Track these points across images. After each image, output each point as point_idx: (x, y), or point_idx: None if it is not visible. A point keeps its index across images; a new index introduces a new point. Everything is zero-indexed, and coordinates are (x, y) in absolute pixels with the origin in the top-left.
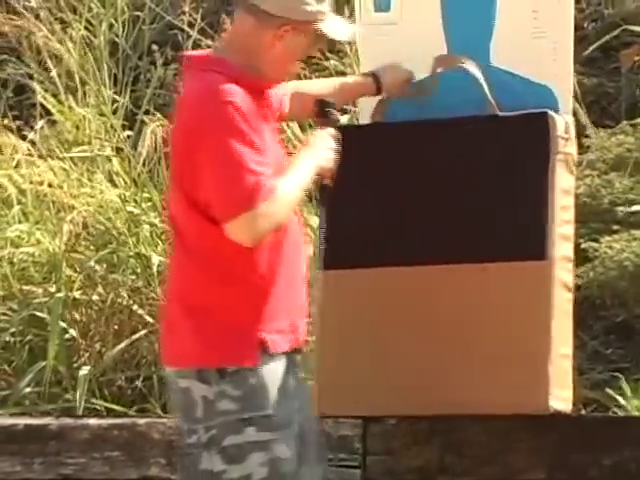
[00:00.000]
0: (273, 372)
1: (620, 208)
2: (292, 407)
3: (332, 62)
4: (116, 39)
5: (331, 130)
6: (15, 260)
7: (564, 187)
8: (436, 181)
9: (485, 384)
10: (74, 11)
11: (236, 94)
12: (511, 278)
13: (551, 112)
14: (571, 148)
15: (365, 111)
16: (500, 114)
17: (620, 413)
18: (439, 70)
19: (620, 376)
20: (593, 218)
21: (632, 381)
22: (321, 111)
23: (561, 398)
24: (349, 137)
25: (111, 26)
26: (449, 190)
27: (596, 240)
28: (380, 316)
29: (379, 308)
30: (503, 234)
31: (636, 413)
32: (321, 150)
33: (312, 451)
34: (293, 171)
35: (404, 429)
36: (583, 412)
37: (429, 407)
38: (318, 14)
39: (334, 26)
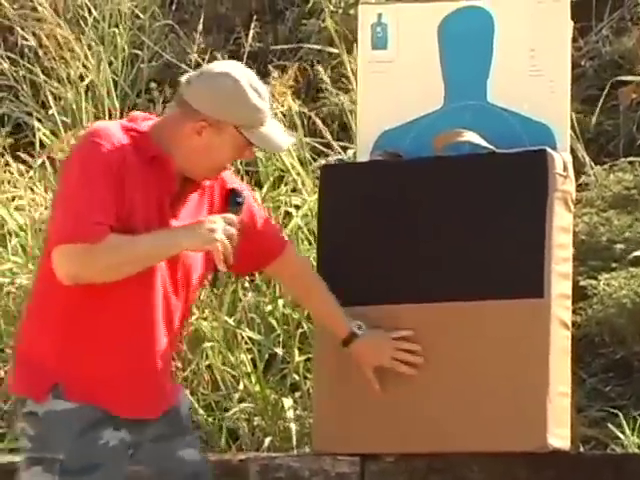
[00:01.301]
0: (70, 415)
1: (619, 246)
2: (98, 456)
3: (341, 98)
4: (115, 77)
5: (231, 216)
6: (12, 292)
7: (562, 225)
8: (433, 219)
9: (483, 422)
10: (72, 50)
11: (108, 137)
12: (509, 316)
13: (549, 150)
14: (569, 186)
15: (362, 148)
16: (498, 151)
17: (619, 450)
18: (440, 150)
19: (619, 413)
20: (592, 256)
21: (631, 418)
22: (231, 199)
23: (559, 436)
24: (343, 175)
25: (110, 64)
26: (446, 227)
27: (595, 278)
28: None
29: None
30: (501, 272)
31: (635, 450)
32: (201, 231)
33: None
34: (144, 237)
35: (402, 467)
36: (581, 450)
37: (427, 444)
38: (243, 119)
39: (266, 133)
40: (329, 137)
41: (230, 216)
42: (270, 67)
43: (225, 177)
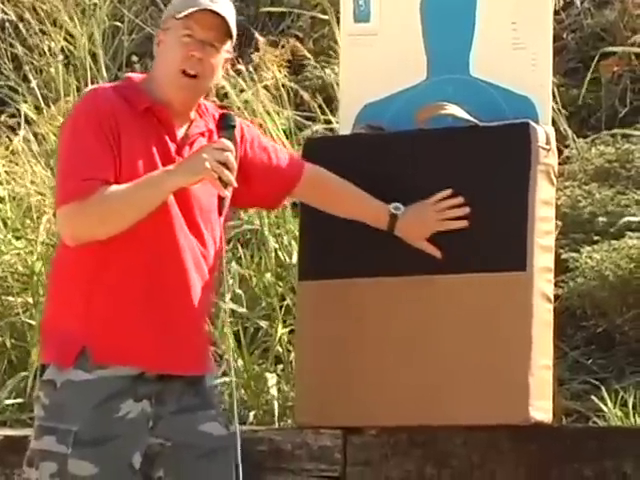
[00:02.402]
0: (87, 387)
1: (601, 219)
2: (114, 427)
3: (326, 71)
4: (96, 50)
5: (223, 140)
6: None
7: (545, 198)
8: (415, 191)
9: (466, 395)
10: (54, 23)
11: (96, 98)
12: (491, 289)
13: (532, 123)
14: (552, 159)
15: (345, 121)
16: (480, 124)
17: (601, 423)
18: (422, 123)
19: (601, 386)
20: (574, 229)
21: (613, 391)
22: (222, 124)
23: (542, 409)
24: (326, 148)
25: (90, 36)
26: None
27: (577, 251)
28: (359, 327)
29: (357, 319)
30: (483, 245)
31: (617, 423)
32: (194, 162)
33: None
34: (135, 182)
35: (384, 440)
36: (564, 422)
37: (409, 418)
38: (179, 5)
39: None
40: (316, 110)
41: (221, 141)
42: (258, 37)
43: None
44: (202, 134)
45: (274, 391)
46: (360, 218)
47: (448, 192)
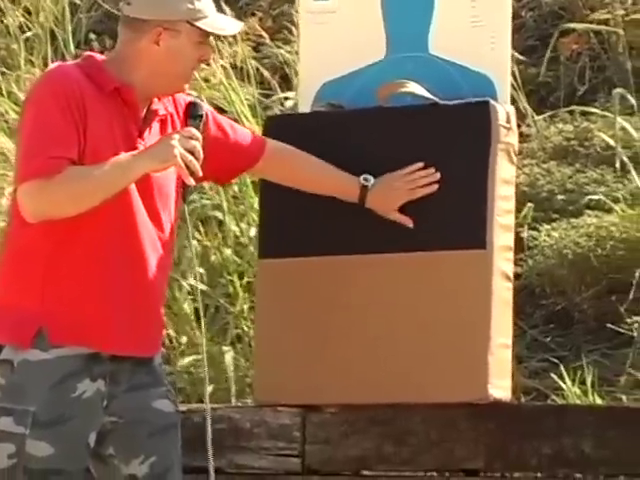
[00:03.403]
0: (45, 367)
1: (559, 197)
2: (71, 408)
3: (281, 51)
4: (54, 27)
5: (191, 129)
6: None
7: (505, 177)
8: (375, 169)
9: (424, 373)
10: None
11: (63, 75)
12: (450, 267)
13: (492, 101)
14: (512, 138)
15: (304, 100)
16: (440, 103)
17: (559, 401)
18: (383, 100)
19: (559, 364)
20: (533, 207)
21: (571, 369)
22: (191, 113)
23: (500, 387)
24: (283, 126)
25: (49, 13)
26: None
27: (535, 229)
28: (317, 305)
29: (315, 297)
30: (443, 223)
31: (576, 401)
32: (162, 148)
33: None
34: (102, 165)
35: (343, 418)
36: (522, 400)
37: (368, 396)
38: (193, 12)
39: (216, 22)
40: (276, 88)
41: (189, 129)
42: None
43: (185, 100)
44: (161, 117)
45: (232, 368)
46: (329, 192)
47: (420, 165)
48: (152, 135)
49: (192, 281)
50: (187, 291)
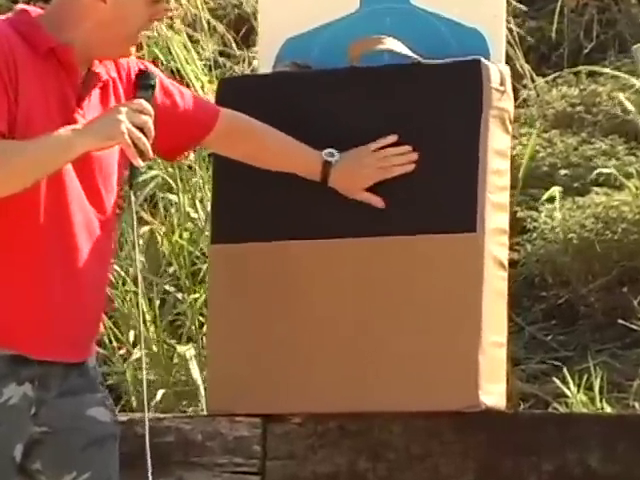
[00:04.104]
0: None
1: (563, 172)
2: None
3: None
4: None
5: (141, 101)
6: None
7: (498, 148)
8: (348, 140)
9: (405, 377)
10: None
11: None
12: (435, 254)
13: (484, 60)
14: (507, 102)
15: (265, 58)
16: (423, 62)
17: (562, 409)
18: (356, 60)
19: (562, 366)
20: (531, 183)
21: (576, 372)
22: (140, 82)
23: (493, 393)
24: (239, 89)
25: None
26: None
27: (535, 209)
28: (280, 298)
29: (279, 289)
30: (427, 202)
31: (582, 409)
32: (108, 123)
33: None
34: (37, 140)
35: (310, 429)
36: (519, 408)
37: (339, 404)
38: None
39: None
40: (231, 44)
41: (139, 102)
42: None
43: (130, 64)
44: (104, 82)
45: (194, 369)
46: (288, 169)
47: (393, 138)
48: (92, 104)
49: (137, 273)
50: (131, 282)
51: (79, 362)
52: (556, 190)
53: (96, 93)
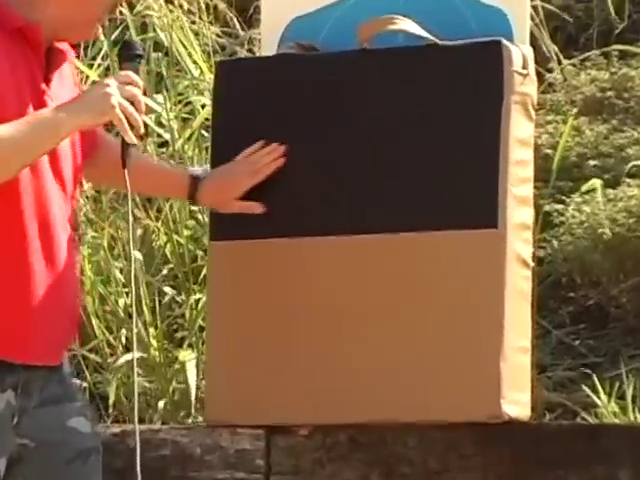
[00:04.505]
0: None
1: (592, 162)
2: None
3: None
4: None
5: (128, 73)
6: None
7: (521, 137)
8: (358, 129)
9: (421, 385)
10: None
11: None
12: (453, 251)
13: (505, 41)
14: (530, 87)
15: (268, 40)
16: (440, 43)
17: (592, 420)
18: (366, 41)
19: (592, 374)
20: (558, 175)
21: (607, 380)
22: (125, 53)
23: (517, 402)
24: (238, 73)
25: None
26: (374, 139)
27: (562, 202)
28: (285, 300)
29: (283, 290)
30: (442, 196)
31: (612, 420)
32: (97, 98)
33: None
34: (19, 125)
35: (318, 442)
36: (545, 419)
37: (350, 414)
38: None
39: None
40: (234, 25)
41: (127, 73)
42: None
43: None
44: (64, 61)
45: (193, 377)
46: (153, 191)
47: (260, 144)
48: (58, 82)
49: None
50: (123, 283)
51: (57, 367)
52: (597, 183)
53: (65, 71)
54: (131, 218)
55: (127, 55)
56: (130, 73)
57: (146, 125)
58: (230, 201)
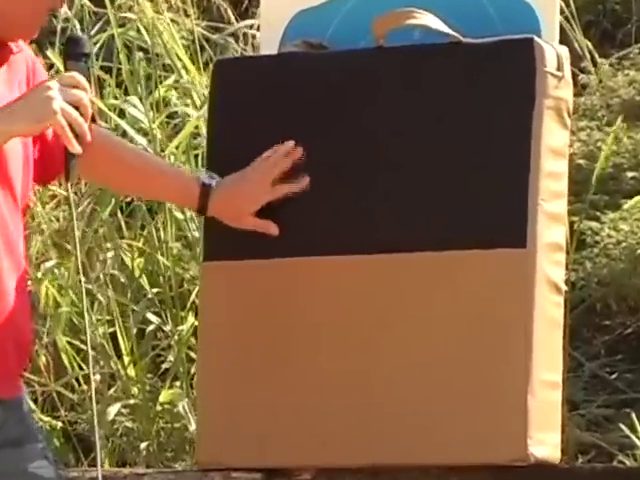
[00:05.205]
0: None
1: (630, 174)
2: None
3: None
4: None
5: (74, 74)
6: None
7: (554, 146)
8: (372, 136)
9: (438, 423)
10: None
11: None
12: (475, 273)
13: (537, 39)
14: (565, 91)
15: (269, 36)
16: (464, 41)
17: (629, 462)
18: (381, 38)
19: (630, 411)
20: (593, 188)
21: None
22: (71, 51)
23: (546, 443)
24: (237, 74)
25: None
26: (390, 148)
27: (597, 219)
28: (284, 327)
29: (282, 315)
30: (465, 212)
31: None
32: (36, 102)
33: None
34: None
35: None
36: (578, 462)
37: (357, 456)
38: None
39: None
40: (228, 17)
41: (72, 75)
42: None
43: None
44: (5, 60)
45: (182, 416)
46: (158, 195)
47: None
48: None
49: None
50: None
51: (16, 404)
52: (637, 198)
53: (4, 72)
54: (77, 232)
55: (72, 53)
56: (75, 74)
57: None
58: (245, 216)
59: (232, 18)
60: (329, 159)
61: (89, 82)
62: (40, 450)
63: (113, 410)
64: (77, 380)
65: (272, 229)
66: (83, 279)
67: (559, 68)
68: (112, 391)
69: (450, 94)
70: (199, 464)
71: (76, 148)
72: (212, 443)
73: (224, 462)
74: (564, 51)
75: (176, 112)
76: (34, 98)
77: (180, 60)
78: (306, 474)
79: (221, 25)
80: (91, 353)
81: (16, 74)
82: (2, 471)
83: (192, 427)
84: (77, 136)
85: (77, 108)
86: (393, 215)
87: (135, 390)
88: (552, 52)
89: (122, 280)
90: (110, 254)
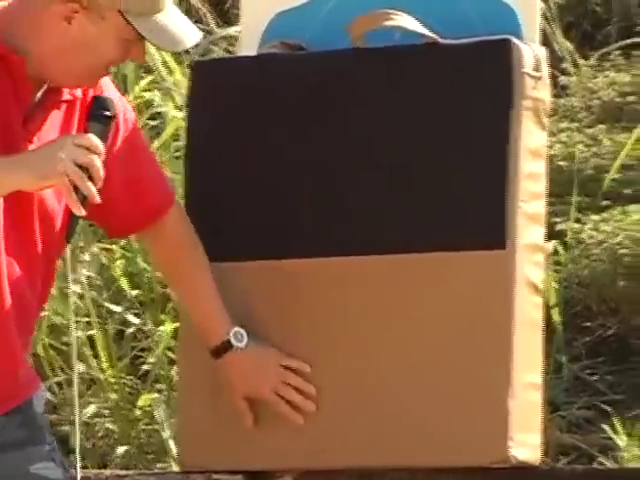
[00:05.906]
0: None
1: (611, 175)
2: None
3: None
4: None
5: (90, 136)
6: None
7: (532, 146)
8: (351, 137)
9: (419, 426)
10: None
11: None
12: (455, 275)
13: (515, 40)
14: (543, 92)
15: (249, 37)
16: (441, 42)
17: (610, 464)
18: (359, 39)
19: (611, 412)
20: (573, 190)
21: (627, 420)
22: (93, 112)
23: (526, 444)
24: (215, 75)
25: None
26: (368, 149)
27: (577, 220)
28: (272, 328)
29: (270, 316)
30: (444, 214)
31: (634, 464)
32: (43, 159)
33: None
34: None
35: None
36: (559, 464)
37: (341, 458)
38: (135, 1)
39: (160, 26)
40: (207, 20)
41: (88, 136)
42: None
43: (103, 85)
44: (67, 102)
45: (162, 417)
46: (192, 316)
47: (305, 367)
48: (46, 129)
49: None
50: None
51: (15, 409)
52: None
53: (57, 116)
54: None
55: (95, 114)
56: (91, 136)
57: None
58: (239, 395)
59: (211, 22)
60: (309, 160)
61: (106, 143)
62: (46, 452)
63: (89, 411)
64: (58, 383)
65: (247, 421)
66: (71, 282)
67: (537, 69)
68: (90, 393)
69: (428, 95)
70: (181, 466)
71: (80, 211)
72: (194, 445)
73: (206, 464)
74: (542, 52)
75: (159, 113)
76: (44, 154)
77: (164, 62)
78: (288, 476)
79: (200, 26)
80: (75, 353)
81: (71, 117)
82: (3, 474)
83: (166, 434)
84: (84, 199)
85: (88, 170)
86: (375, 216)
87: (113, 393)
88: (530, 53)
89: (98, 283)
90: (87, 256)
